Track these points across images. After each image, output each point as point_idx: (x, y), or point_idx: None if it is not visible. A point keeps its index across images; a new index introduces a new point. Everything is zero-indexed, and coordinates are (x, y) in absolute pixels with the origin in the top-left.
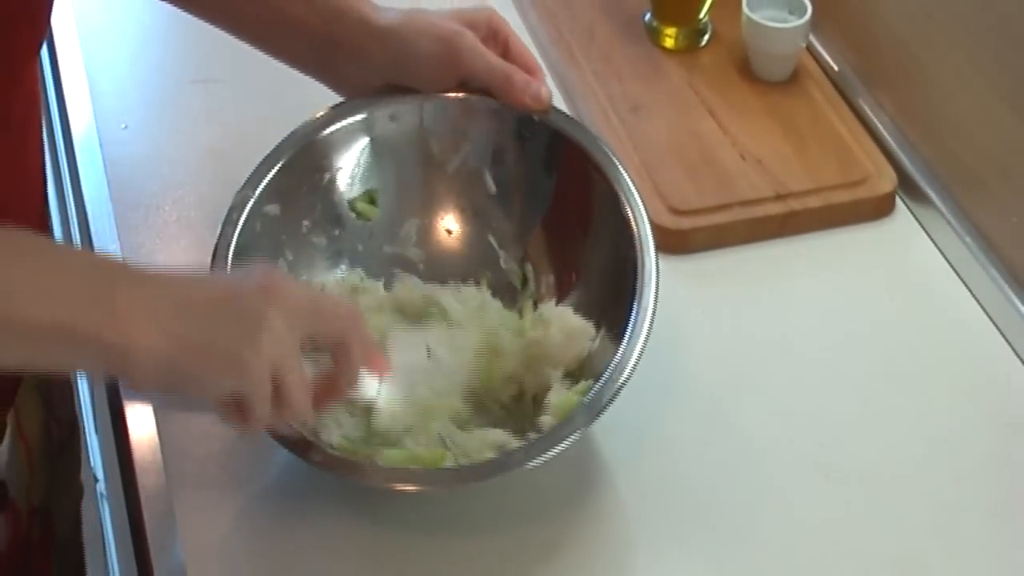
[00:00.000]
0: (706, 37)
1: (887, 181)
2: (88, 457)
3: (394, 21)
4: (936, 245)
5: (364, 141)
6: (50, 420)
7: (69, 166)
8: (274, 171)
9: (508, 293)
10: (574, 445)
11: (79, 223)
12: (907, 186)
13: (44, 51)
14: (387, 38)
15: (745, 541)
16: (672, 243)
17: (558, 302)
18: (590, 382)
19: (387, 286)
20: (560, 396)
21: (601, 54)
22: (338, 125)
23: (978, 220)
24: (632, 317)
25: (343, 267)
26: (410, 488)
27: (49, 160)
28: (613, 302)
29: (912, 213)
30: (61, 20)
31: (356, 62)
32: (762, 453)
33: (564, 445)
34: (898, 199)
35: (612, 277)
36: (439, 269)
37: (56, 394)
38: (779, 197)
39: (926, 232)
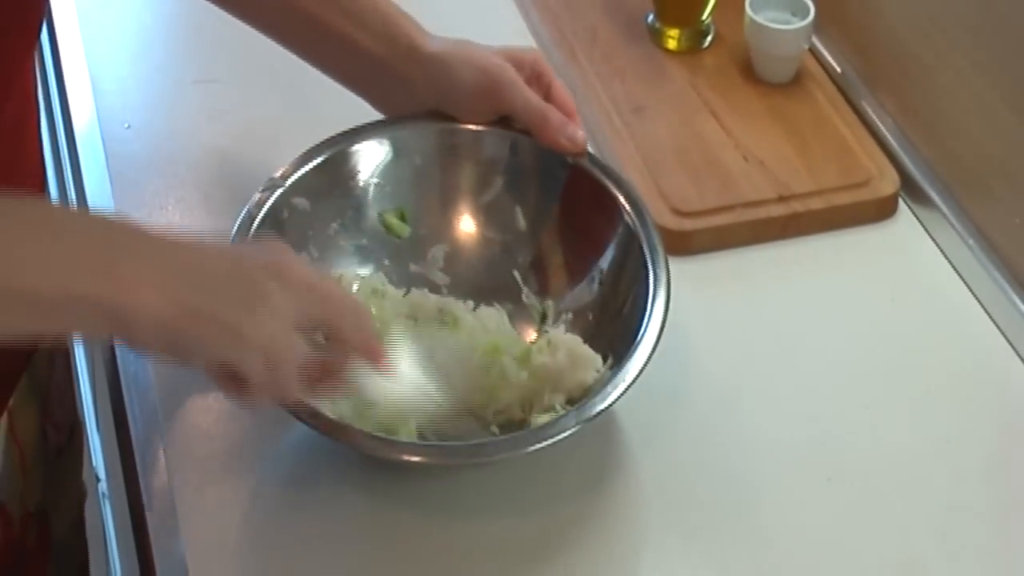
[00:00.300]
0: (709, 38)
1: (890, 183)
2: (90, 457)
3: (441, 49)
4: (939, 247)
5: (402, 159)
6: (46, 424)
7: (72, 166)
8: (308, 167)
9: (526, 325)
10: (574, 446)
11: None
12: (910, 188)
13: (47, 51)
14: (432, 65)
15: (747, 541)
16: (674, 244)
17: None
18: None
19: (406, 295)
20: (549, 417)
21: (603, 55)
22: (379, 138)
23: (981, 222)
24: (636, 340)
25: (367, 269)
26: (431, 461)
27: (52, 160)
28: (623, 342)
29: (915, 215)
30: (64, 20)
31: (400, 87)
32: (764, 454)
33: (590, 420)
34: (901, 201)
35: (626, 319)
36: (461, 296)
37: (54, 398)
38: (782, 199)
39: (928, 234)
